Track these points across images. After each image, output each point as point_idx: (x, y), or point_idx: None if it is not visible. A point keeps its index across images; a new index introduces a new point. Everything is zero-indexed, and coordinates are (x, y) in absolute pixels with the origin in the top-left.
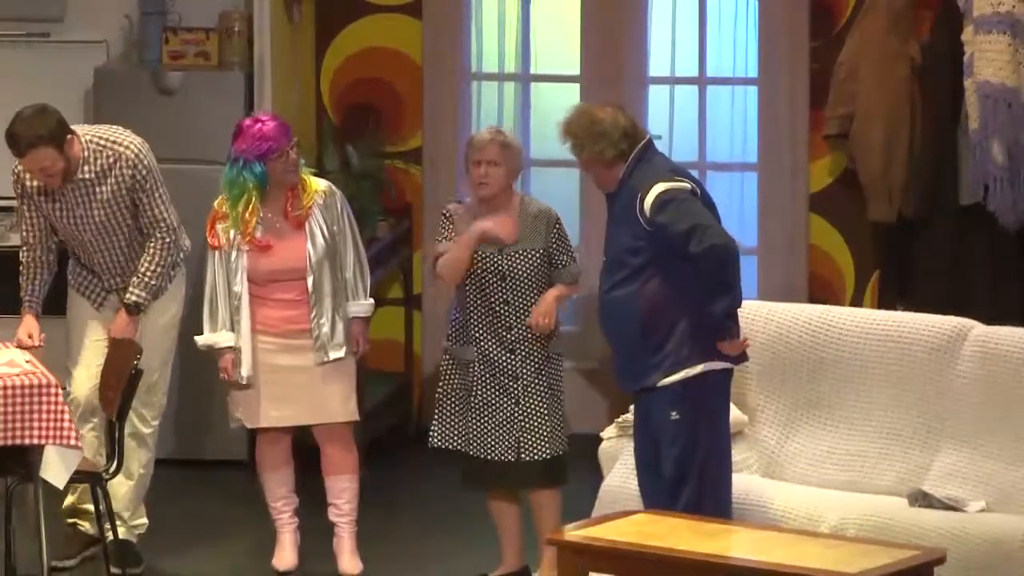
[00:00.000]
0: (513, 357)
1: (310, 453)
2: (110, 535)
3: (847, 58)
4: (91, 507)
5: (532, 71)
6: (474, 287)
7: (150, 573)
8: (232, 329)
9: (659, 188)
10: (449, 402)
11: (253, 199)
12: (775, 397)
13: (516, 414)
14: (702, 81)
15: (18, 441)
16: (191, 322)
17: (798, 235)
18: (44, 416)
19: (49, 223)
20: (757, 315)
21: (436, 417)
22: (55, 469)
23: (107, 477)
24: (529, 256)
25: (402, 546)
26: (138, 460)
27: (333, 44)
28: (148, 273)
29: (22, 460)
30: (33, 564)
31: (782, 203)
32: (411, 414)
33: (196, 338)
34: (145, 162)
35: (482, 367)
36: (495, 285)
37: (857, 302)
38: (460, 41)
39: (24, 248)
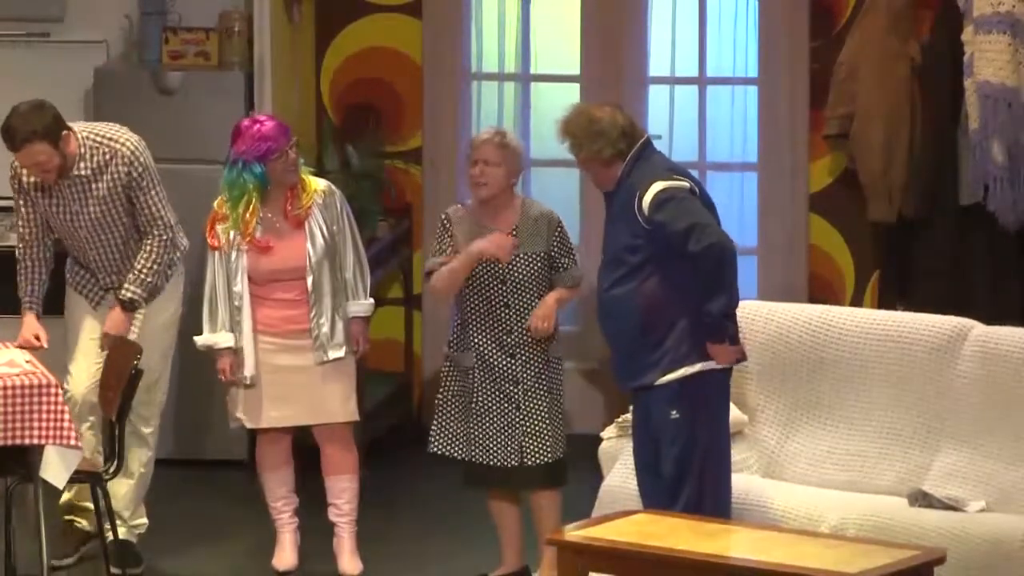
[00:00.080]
0: (513, 361)
1: (310, 453)
2: (110, 535)
3: (847, 58)
4: (89, 504)
5: (532, 71)
6: (474, 290)
7: (150, 573)
8: (231, 330)
9: (658, 186)
10: (448, 408)
11: (253, 200)
12: (775, 397)
13: (517, 419)
14: (702, 81)
15: (18, 441)
16: (191, 321)
17: (798, 235)
18: (44, 416)
19: (45, 220)
20: (757, 315)
21: (435, 423)
22: (55, 469)
23: (107, 477)
24: (530, 260)
25: (402, 546)
26: (138, 459)
27: (333, 44)
28: (144, 270)
29: (22, 460)
30: (33, 564)
31: (782, 203)
32: (411, 414)
33: (195, 338)
34: (141, 159)
35: (482, 372)
36: (495, 289)
37: (857, 302)
38: (460, 41)
39: (21, 245)
